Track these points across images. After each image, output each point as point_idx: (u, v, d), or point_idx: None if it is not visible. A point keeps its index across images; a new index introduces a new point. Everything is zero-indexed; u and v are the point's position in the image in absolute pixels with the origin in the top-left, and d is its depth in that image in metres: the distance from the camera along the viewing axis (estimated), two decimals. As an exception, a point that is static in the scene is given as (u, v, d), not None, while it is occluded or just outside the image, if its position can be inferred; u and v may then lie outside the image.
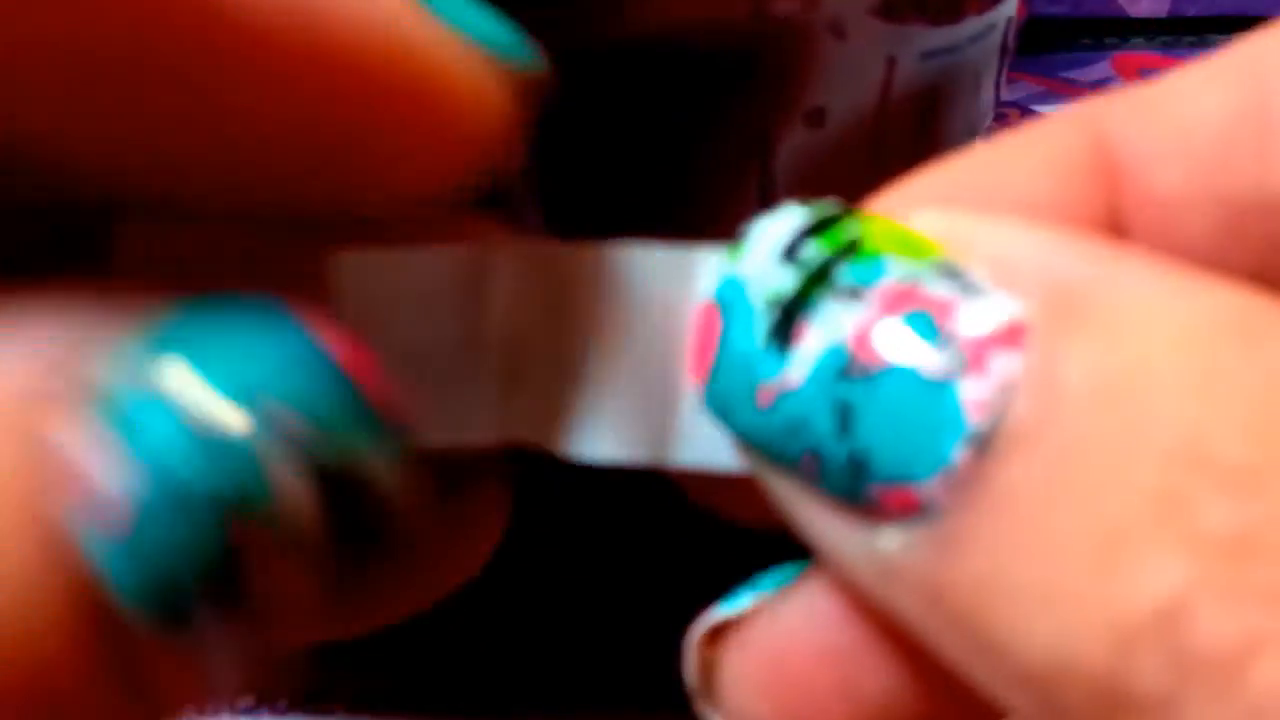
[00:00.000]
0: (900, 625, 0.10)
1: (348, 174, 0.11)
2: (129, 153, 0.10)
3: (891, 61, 0.23)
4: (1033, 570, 0.09)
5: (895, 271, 0.10)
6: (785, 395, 0.10)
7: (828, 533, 0.10)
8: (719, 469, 0.11)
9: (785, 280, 0.10)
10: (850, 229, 0.10)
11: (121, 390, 0.09)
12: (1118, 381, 0.09)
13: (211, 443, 0.09)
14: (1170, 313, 0.09)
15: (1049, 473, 0.09)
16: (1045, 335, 0.09)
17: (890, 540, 0.10)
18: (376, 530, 0.10)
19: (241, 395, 0.09)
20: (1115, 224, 0.12)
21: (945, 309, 0.09)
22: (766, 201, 0.23)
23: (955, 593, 0.09)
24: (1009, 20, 0.27)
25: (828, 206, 0.10)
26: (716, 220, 0.23)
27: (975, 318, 0.09)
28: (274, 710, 0.26)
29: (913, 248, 0.10)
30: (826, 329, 0.10)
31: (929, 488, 0.09)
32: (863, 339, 0.10)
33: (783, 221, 0.10)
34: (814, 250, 0.10)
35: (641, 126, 0.21)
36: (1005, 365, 0.09)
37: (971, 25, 0.25)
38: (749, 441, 0.10)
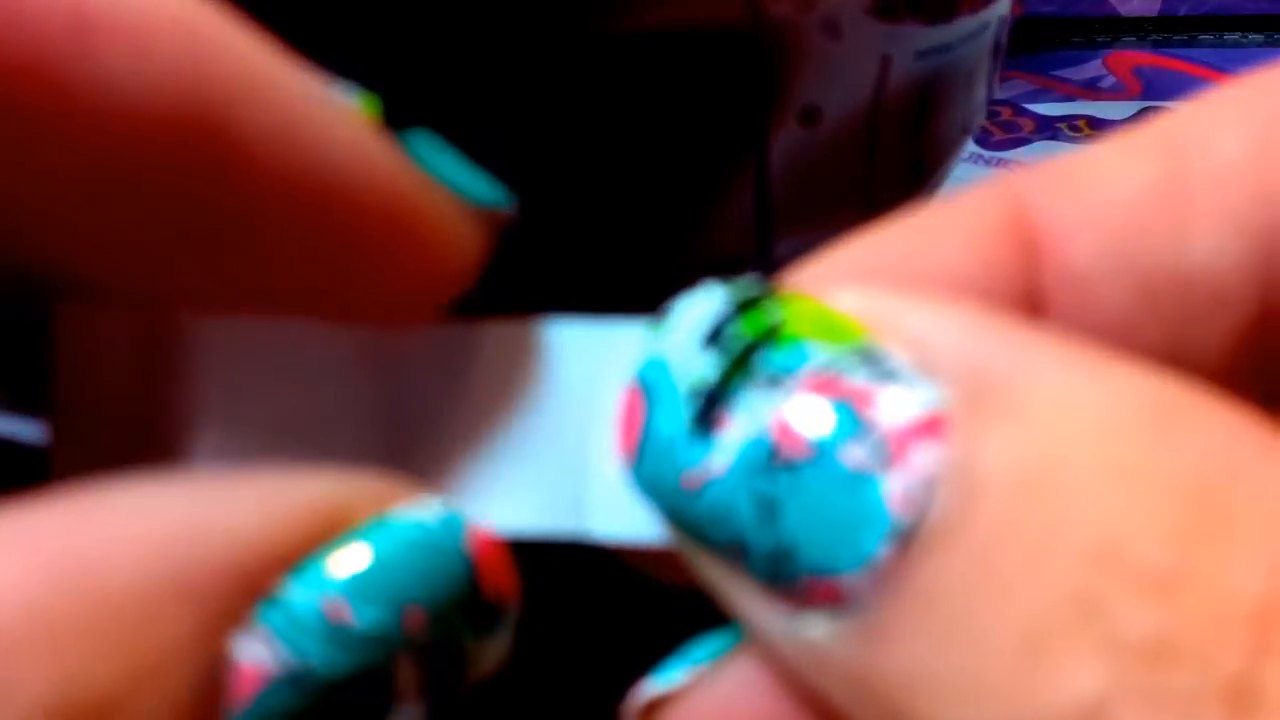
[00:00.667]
0: (827, 706, 0.10)
1: (331, 293, 0.11)
2: (120, 253, 0.11)
3: (886, 60, 0.23)
4: (954, 665, 0.09)
5: (816, 358, 0.10)
6: (710, 483, 0.10)
7: (755, 616, 0.10)
8: (641, 542, 0.11)
9: (707, 367, 0.10)
10: (772, 311, 0.10)
11: (293, 597, 0.10)
12: (1036, 475, 0.09)
13: (348, 639, 0.10)
14: (1087, 402, 0.09)
15: (970, 569, 0.09)
16: (965, 426, 0.09)
17: (816, 629, 0.09)
18: (458, 688, 0.10)
19: (393, 607, 0.10)
20: (1033, 296, 0.12)
21: (866, 398, 0.09)
22: (762, 199, 0.23)
23: (880, 683, 0.09)
24: (1002, 19, 0.27)
25: (749, 286, 0.10)
26: (712, 219, 0.23)
27: (896, 407, 0.09)
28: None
29: (834, 331, 0.10)
30: (748, 418, 0.10)
31: (853, 581, 0.09)
32: (785, 429, 0.09)
33: (705, 303, 0.10)
34: (736, 334, 0.10)
35: (637, 125, 0.21)
36: (926, 458, 0.09)
37: (965, 24, 0.25)
38: (675, 523, 0.10)
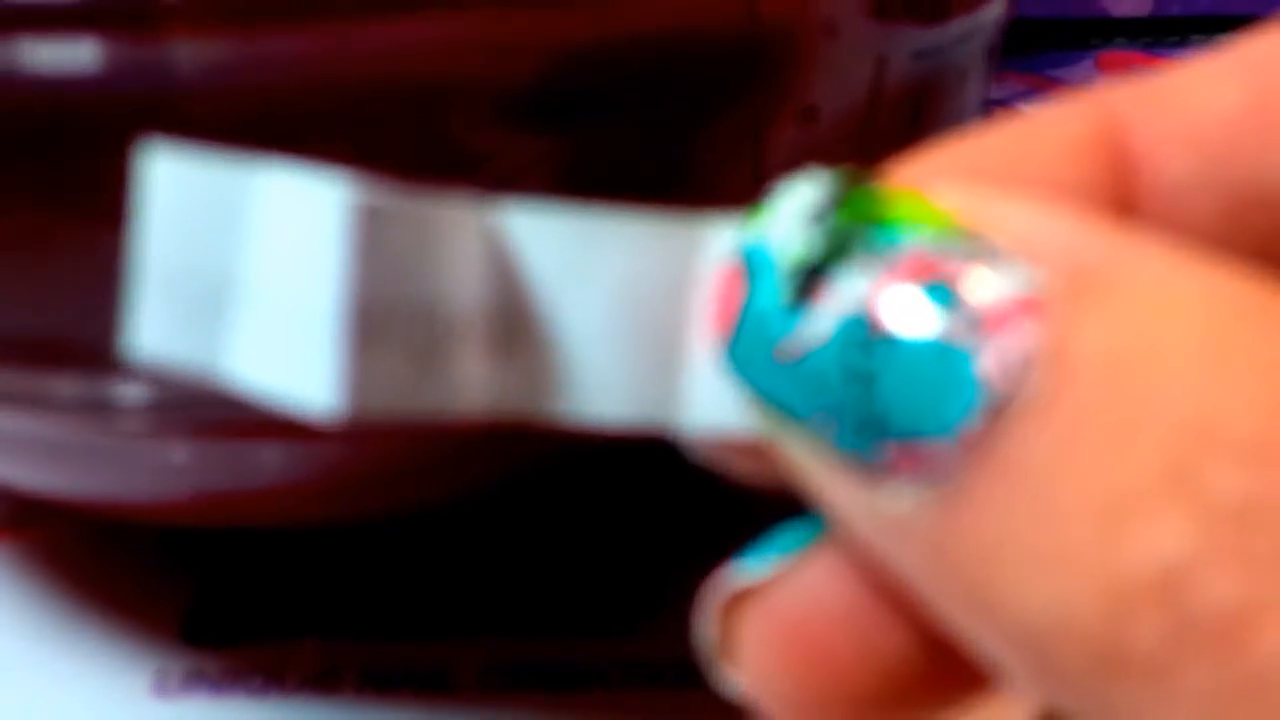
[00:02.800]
0: (904, 584, 0.11)
1: None
2: None
3: (882, 61, 0.24)
4: (1037, 532, 0.09)
5: (917, 240, 0.10)
6: (806, 354, 0.10)
7: (836, 491, 0.10)
8: (726, 431, 0.12)
9: (809, 245, 0.10)
10: (873, 198, 0.10)
11: None
12: (1130, 356, 0.09)
13: None
14: (1185, 293, 0.10)
15: (1060, 440, 0.09)
16: (1062, 308, 0.10)
17: (899, 499, 0.10)
18: None
19: None
20: (1125, 206, 0.13)
21: (963, 278, 0.10)
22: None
23: (959, 552, 0.10)
24: (996, 21, 0.27)
25: (851, 175, 0.11)
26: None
27: (994, 287, 0.10)
28: (282, 690, 0.26)
29: (934, 219, 0.10)
30: (849, 294, 0.10)
31: (941, 449, 0.10)
32: (884, 305, 0.10)
33: (806, 188, 0.11)
34: (838, 217, 0.10)
35: (633, 125, 0.22)
36: (1022, 335, 0.09)
37: (959, 25, 0.25)
38: (765, 399, 0.11)
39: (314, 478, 0.23)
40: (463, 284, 0.12)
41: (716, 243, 0.12)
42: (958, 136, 0.13)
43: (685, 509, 0.30)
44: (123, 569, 0.29)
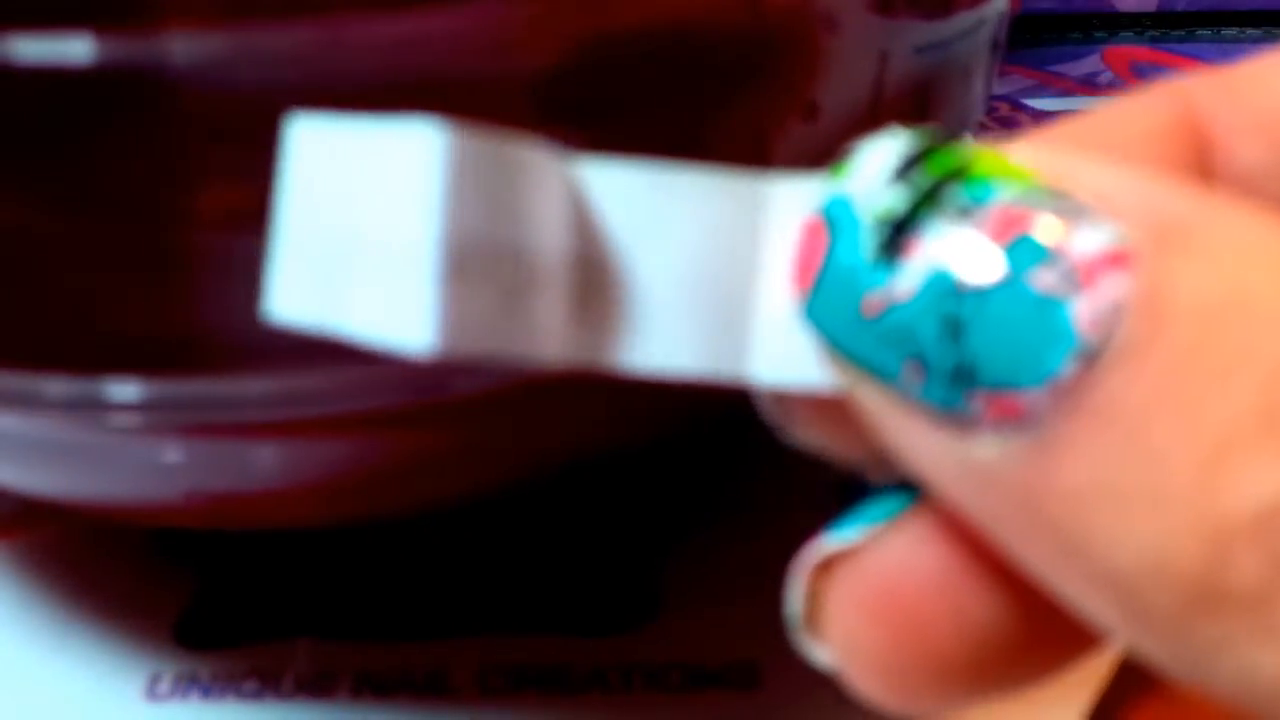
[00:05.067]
0: (989, 535, 0.11)
1: None
2: None
3: (884, 56, 0.23)
4: (1132, 476, 0.09)
5: (1005, 195, 0.10)
6: (893, 306, 0.10)
7: (921, 443, 0.11)
8: (799, 385, 0.12)
9: (895, 199, 0.11)
10: (957, 156, 0.11)
11: None
12: (1222, 304, 0.09)
13: None
14: (1268, 244, 0.10)
15: (1155, 385, 0.09)
16: (1151, 259, 0.10)
17: (988, 449, 0.10)
18: None
19: None
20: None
21: (1054, 231, 0.10)
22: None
23: (1051, 499, 0.10)
24: (1000, 15, 0.27)
25: (934, 133, 0.11)
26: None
27: (1085, 239, 0.10)
28: (277, 693, 0.26)
29: (1018, 175, 0.10)
30: (938, 246, 0.10)
31: (1035, 396, 0.10)
32: (975, 256, 0.10)
33: (890, 145, 0.11)
34: (924, 173, 0.11)
35: (635, 121, 0.22)
36: (1115, 284, 0.10)
37: (962, 20, 0.25)
38: (847, 353, 0.11)
39: (309, 479, 0.23)
40: (548, 230, 0.12)
41: (785, 199, 0.12)
42: (1039, 131, 0.13)
43: (685, 510, 0.30)
44: (116, 571, 0.29)
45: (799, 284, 0.11)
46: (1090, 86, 0.50)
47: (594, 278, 0.12)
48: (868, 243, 0.11)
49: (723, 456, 0.31)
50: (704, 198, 0.12)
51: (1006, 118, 0.48)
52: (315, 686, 0.26)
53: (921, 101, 0.25)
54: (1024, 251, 0.10)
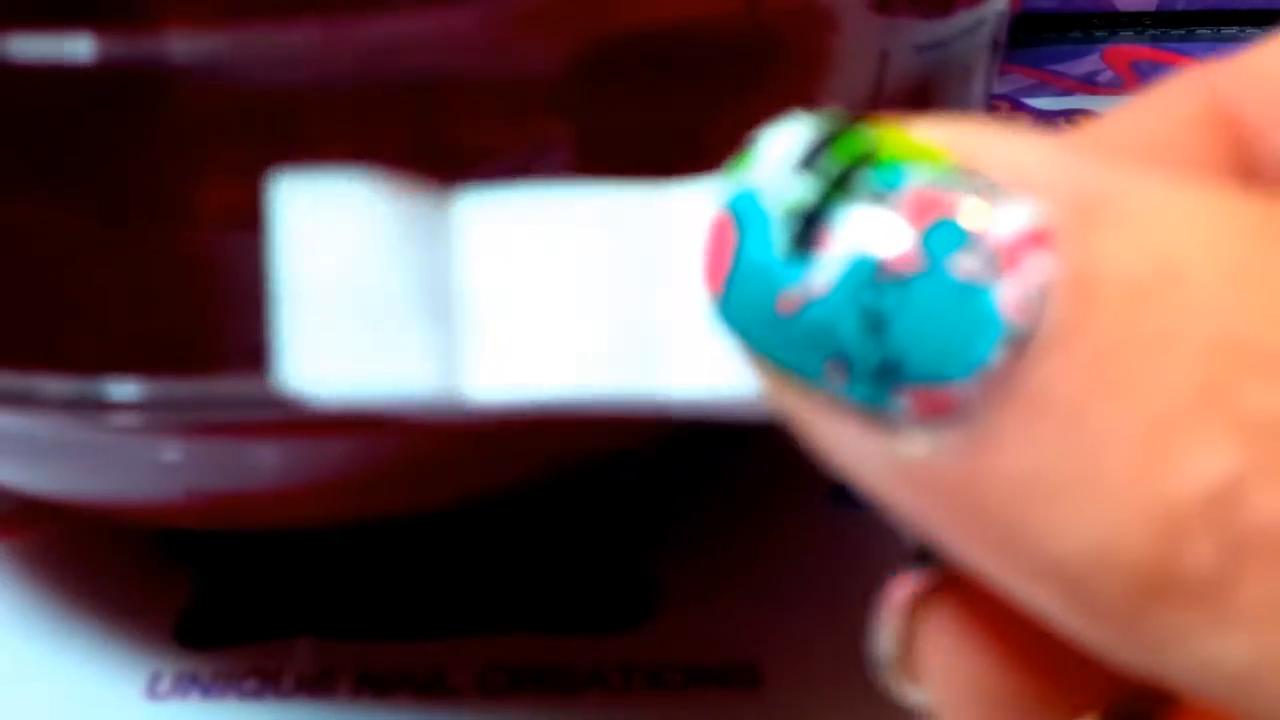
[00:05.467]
0: (928, 534, 0.10)
1: None
2: None
3: (884, 55, 0.23)
4: (1072, 465, 0.09)
5: (917, 178, 0.10)
6: (810, 303, 0.10)
7: (848, 443, 0.10)
8: (722, 396, 0.11)
9: (804, 189, 0.10)
10: (864, 139, 0.10)
11: None
12: (1151, 279, 0.09)
13: None
14: (1196, 214, 0.09)
15: (1087, 369, 0.09)
16: (1074, 236, 0.09)
17: (919, 446, 0.10)
18: None
19: None
20: (1248, 179, 0.13)
21: (972, 213, 0.10)
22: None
23: (988, 494, 0.09)
24: (1000, 14, 0.27)
25: (837, 116, 0.10)
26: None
27: (1004, 222, 0.09)
28: (277, 692, 0.26)
29: (929, 156, 0.10)
30: (853, 236, 0.10)
31: (964, 388, 0.09)
32: (891, 245, 0.10)
33: (792, 132, 0.10)
34: (831, 159, 0.10)
35: (634, 119, 0.22)
36: (1039, 265, 0.09)
37: (962, 19, 0.25)
38: (766, 353, 0.10)
39: (309, 479, 0.23)
40: (417, 264, 0.12)
41: (691, 201, 0.12)
42: (1080, 123, 0.13)
43: (685, 508, 0.30)
44: (116, 570, 0.29)
45: (710, 285, 0.10)
46: (1090, 85, 0.49)
47: (480, 308, 0.12)
48: (778, 237, 0.10)
49: (722, 454, 0.31)
50: (602, 217, 0.12)
51: (1007, 117, 0.48)
52: (315, 685, 0.26)
53: (921, 101, 0.25)
54: (942, 237, 0.09)
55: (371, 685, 0.26)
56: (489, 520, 0.30)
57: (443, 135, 0.20)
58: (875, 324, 0.10)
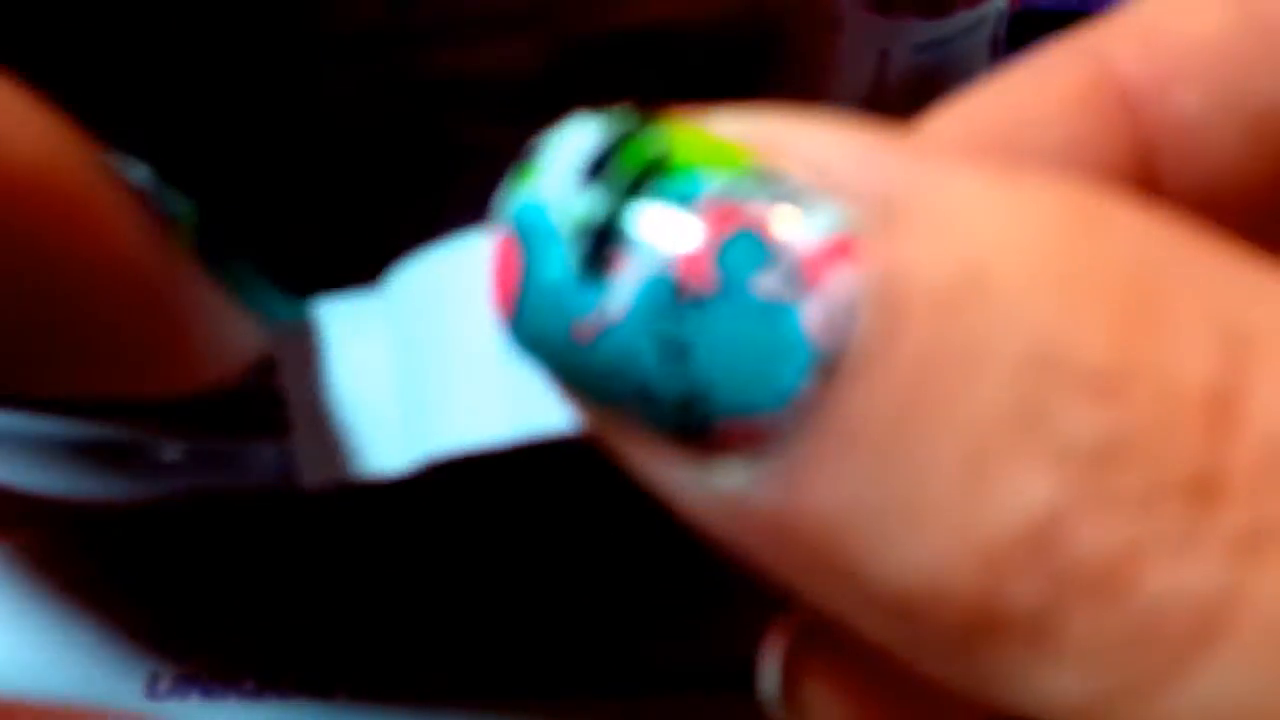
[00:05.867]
0: (757, 565, 0.10)
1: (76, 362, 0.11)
2: None
3: (884, 55, 0.24)
4: (889, 494, 0.08)
5: (713, 186, 0.09)
6: (607, 330, 0.09)
7: (663, 474, 0.09)
8: (536, 427, 0.11)
9: (592, 203, 0.09)
10: (656, 142, 0.09)
11: None
12: (960, 288, 0.08)
13: None
14: (1002, 211, 0.09)
15: (900, 393, 0.08)
16: (878, 244, 0.09)
17: (733, 476, 0.09)
18: None
19: None
20: (1142, 152, 0.12)
21: (771, 224, 0.09)
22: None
23: (807, 524, 0.09)
24: (1000, 13, 0.27)
25: (625, 116, 0.09)
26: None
27: (804, 230, 0.09)
28: (280, 694, 0.26)
29: (725, 157, 0.09)
30: (646, 255, 0.09)
31: (774, 418, 0.09)
32: (688, 263, 0.09)
33: (578, 136, 0.09)
34: (619, 167, 0.09)
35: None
36: (843, 281, 0.08)
37: (962, 18, 0.25)
38: (569, 383, 0.09)
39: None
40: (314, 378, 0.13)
41: (476, 261, 0.11)
42: (950, 103, 0.12)
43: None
44: (116, 570, 0.29)
45: (501, 309, 0.10)
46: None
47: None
48: (568, 257, 0.09)
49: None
50: (411, 289, 0.12)
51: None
52: (314, 687, 0.26)
53: (921, 100, 0.25)
54: (740, 253, 0.09)
55: (371, 686, 0.26)
56: (492, 522, 0.30)
57: (444, 135, 0.20)
58: (676, 352, 0.09)
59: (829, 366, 0.08)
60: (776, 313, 0.09)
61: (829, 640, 0.12)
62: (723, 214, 0.09)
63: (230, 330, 0.12)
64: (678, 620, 0.27)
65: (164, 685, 0.26)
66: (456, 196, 0.20)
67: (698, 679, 0.26)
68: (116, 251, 0.11)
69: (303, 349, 0.13)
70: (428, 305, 0.12)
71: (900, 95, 0.24)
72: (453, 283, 0.12)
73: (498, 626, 0.28)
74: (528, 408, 0.11)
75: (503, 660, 0.27)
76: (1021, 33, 0.52)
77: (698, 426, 0.09)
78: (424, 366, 0.12)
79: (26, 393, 0.12)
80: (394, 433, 0.12)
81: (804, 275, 0.09)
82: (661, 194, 0.09)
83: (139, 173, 0.11)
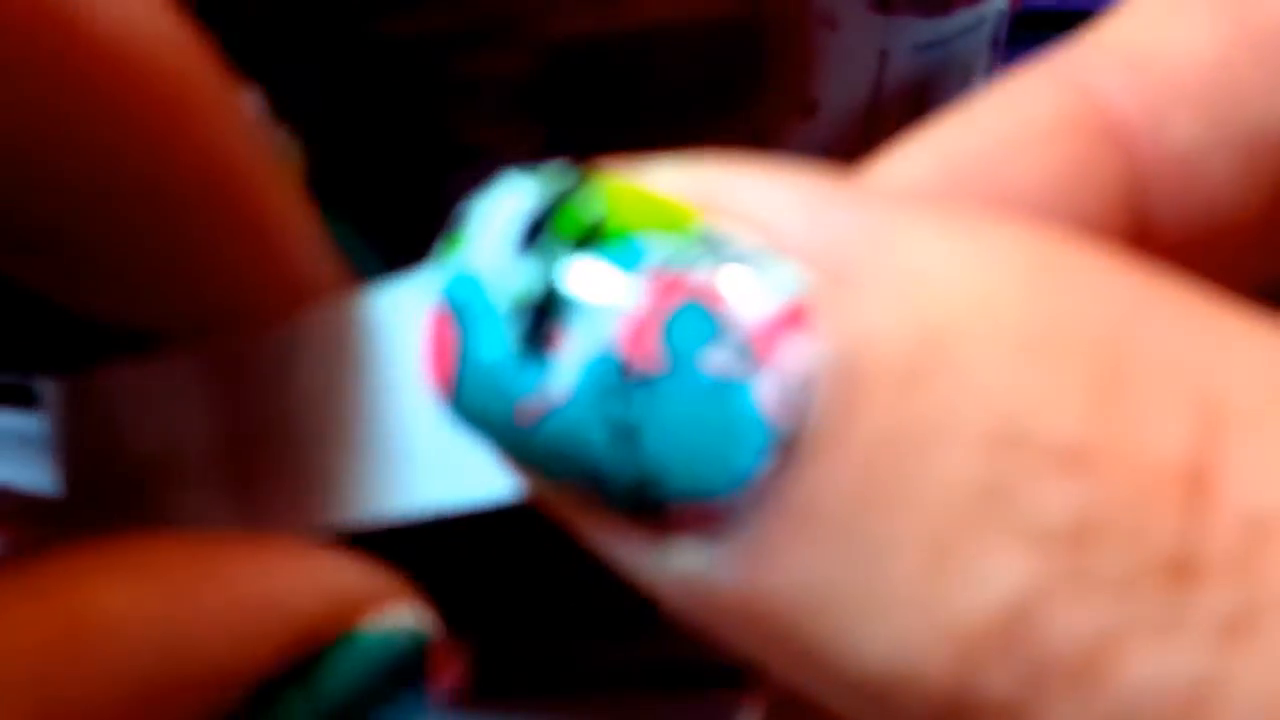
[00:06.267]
0: (725, 643, 0.09)
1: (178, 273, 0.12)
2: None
3: (884, 54, 0.23)
4: (854, 579, 0.08)
5: (654, 254, 0.08)
6: (551, 413, 0.08)
7: (619, 551, 0.09)
8: (480, 498, 0.11)
9: (529, 275, 0.08)
10: (591, 205, 0.09)
11: None
12: (919, 356, 0.08)
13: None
14: (961, 266, 0.08)
15: (862, 471, 0.08)
16: (832, 310, 0.08)
17: (692, 559, 0.08)
18: None
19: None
20: (1134, 191, 0.11)
21: (718, 293, 0.08)
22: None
23: (771, 609, 0.08)
24: (1000, 13, 0.27)
25: (559, 175, 0.09)
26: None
27: (753, 300, 0.08)
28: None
29: (666, 219, 0.08)
30: (588, 331, 0.08)
31: (730, 500, 0.08)
32: (633, 341, 0.08)
33: (510, 200, 0.09)
34: (555, 234, 0.08)
35: (634, 120, 0.22)
36: (798, 353, 0.08)
37: (962, 17, 0.25)
38: (513, 459, 0.09)
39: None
40: (187, 432, 0.12)
41: (413, 293, 0.11)
42: (923, 134, 0.11)
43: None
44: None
45: (438, 385, 0.09)
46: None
47: (264, 451, 0.12)
48: (507, 334, 0.08)
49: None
50: (364, 321, 0.11)
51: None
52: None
53: (920, 99, 0.25)
54: (688, 327, 0.08)
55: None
56: (494, 520, 0.30)
57: (443, 134, 0.20)
58: (625, 434, 0.08)
59: (786, 446, 0.08)
60: (729, 391, 0.08)
61: (803, 714, 0.11)
62: (667, 285, 0.08)
63: (325, 268, 0.12)
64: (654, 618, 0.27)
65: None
66: (456, 195, 0.20)
67: (690, 677, 0.26)
68: (228, 160, 0.11)
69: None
70: (363, 358, 0.11)
71: (900, 95, 0.24)
72: (391, 340, 0.11)
73: (500, 622, 0.28)
74: (470, 477, 0.11)
75: (507, 655, 0.27)
76: (1021, 32, 0.52)
77: (651, 509, 0.08)
78: (354, 423, 0.12)
79: (126, 314, 0.12)
80: (279, 496, 0.12)
81: (756, 349, 0.08)
82: (600, 263, 0.08)
83: (254, 100, 0.11)
